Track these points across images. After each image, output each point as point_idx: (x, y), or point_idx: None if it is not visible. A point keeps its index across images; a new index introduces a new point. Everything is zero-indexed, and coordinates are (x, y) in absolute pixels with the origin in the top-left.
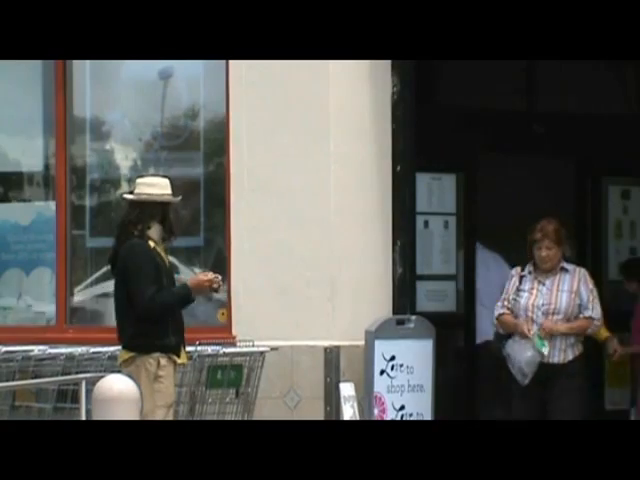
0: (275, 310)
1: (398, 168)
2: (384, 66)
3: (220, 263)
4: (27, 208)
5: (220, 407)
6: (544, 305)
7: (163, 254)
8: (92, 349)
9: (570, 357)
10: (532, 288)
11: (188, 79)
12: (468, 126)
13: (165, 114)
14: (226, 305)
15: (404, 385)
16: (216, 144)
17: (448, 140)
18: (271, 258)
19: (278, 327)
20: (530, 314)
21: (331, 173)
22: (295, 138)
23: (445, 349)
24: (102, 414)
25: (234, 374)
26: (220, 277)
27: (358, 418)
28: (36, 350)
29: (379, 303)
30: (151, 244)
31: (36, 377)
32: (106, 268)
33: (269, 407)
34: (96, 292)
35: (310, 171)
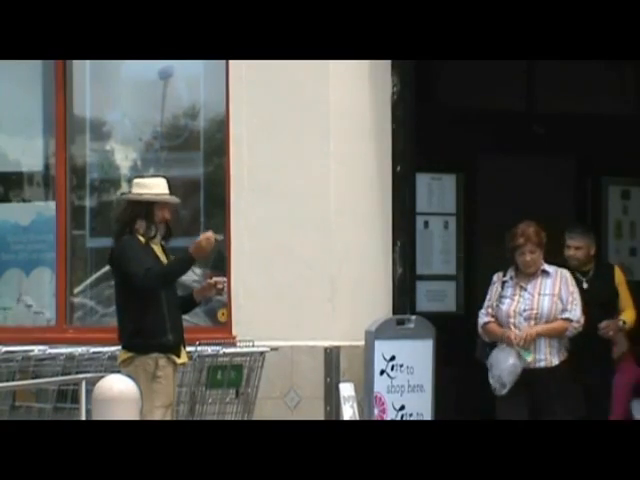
0: (275, 310)
1: (398, 168)
2: (384, 66)
3: (220, 263)
4: (27, 208)
5: (220, 407)
6: (526, 310)
7: (159, 252)
8: (92, 349)
9: (556, 362)
10: (514, 294)
11: (188, 79)
12: (468, 126)
13: (165, 114)
14: (226, 305)
15: (404, 385)
16: (216, 144)
17: (448, 140)
18: (271, 258)
19: (278, 327)
20: (512, 320)
21: (331, 173)
22: (295, 138)
23: (445, 349)
24: (102, 414)
25: (234, 374)
26: (225, 279)
27: (358, 418)
28: (36, 350)
29: (379, 303)
30: (142, 240)
31: (36, 377)
32: (106, 268)
33: (269, 407)
34: (96, 292)
35: (310, 171)
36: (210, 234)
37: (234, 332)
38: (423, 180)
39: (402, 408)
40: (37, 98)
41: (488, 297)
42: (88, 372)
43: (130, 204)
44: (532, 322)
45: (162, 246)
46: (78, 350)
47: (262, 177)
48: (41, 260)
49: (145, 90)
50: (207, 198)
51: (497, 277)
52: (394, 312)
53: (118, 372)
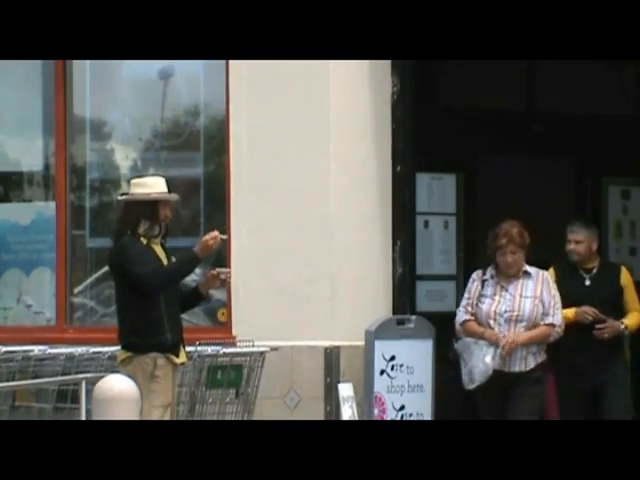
0: (275, 310)
1: (398, 168)
2: (384, 66)
3: (220, 263)
4: (27, 208)
5: (220, 407)
6: (507, 312)
7: (160, 252)
8: (92, 349)
9: (532, 365)
10: (494, 294)
11: (188, 79)
12: (468, 126)
13: (165, 114)
14: (226, 305)
15: (404, 385)
16: (216, 144)
17: (448, 140)
18: (271, 258)
19: (278, 327)
20: (492, 321)
21: (331, 173)
22: (295, 138)
23: (445, 349)
24: (102, 414)
25: (234, 374)
26: (228, 270)
27: (357, 418)
28: (36, 350)
29: (379, 303)
30: (143, 241)
31: (36, 377)
32: (106, 268)
33: (269, 407)
34: (96, 292)
35: (310, 171)
36: (216, 233)
37: (234, 332)
38: (423, 180)
39: (402, 408)
40: (37, 98)
41: (467, 295)
42: (88, 372)
43: (134, 204)
44: (512, 324)
45: (162, 245)
46: (78, 350)
47: (262, 177)
48: (41, 260)
49: (145, 90)
50: (207, 198)
51: (477, 275)
52: (394, 312)
53: (118, 372)
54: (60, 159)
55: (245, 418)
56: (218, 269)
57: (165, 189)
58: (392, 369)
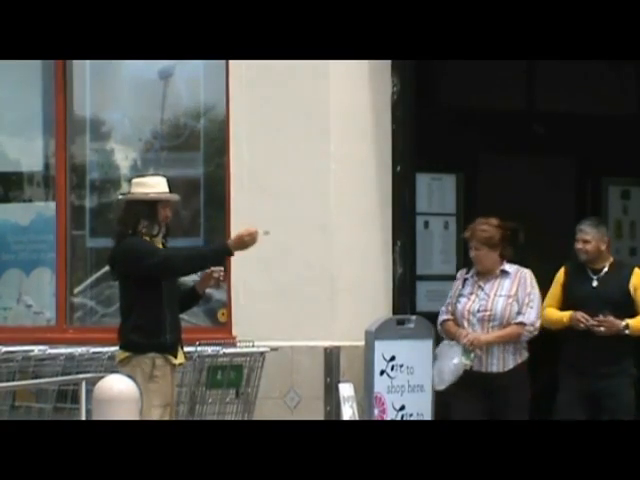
0: (275, 310)
1: (398, 168)
2: (384, 66)
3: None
4: (27, 208)
5: (220, 407)
6: (480, 311)
7: None
8: (92, 349)
9: (510, 365)
10: (471, 293)
11: (188, 79)
12: (468, 126)
13: (165, 114)
14: (226, 305)
15: (404, 385)
16: (216, 144)
17: (448, 140)
18: (271, 258)
19: (278, 327)
20: (466, 320)
21: (331, 173)
22: (295, 138)
23: None
24: (102, 414)
25: (234, 374)
26: (221, 268)
27: (357, 418)
28: (36, 350)
29: (379, 303)
30: (147, 239)
31: (36, 377)
32: (106, 268)
33: (269, 407)
34: (96, 292)
35: (310, 171)
36: (253, 229)
37: (234, 332)
38: (423, 180)
39: (402, 408)
40: (37, 98)
41: (450, 294)
42: (88, 372)
43: (133, 204)
44: (485, 323)
45: (163, 245)
46: (78, 350)
47: (262, 177)
48: (41, 260)
49: (145, 90)
50: (207, 198)
51: (460, 274)
52: (394, 312)
53: (118, 372)
54: (60, 159)
55: (245, 418)
56: (212, 268)
57: (166, 189)
58: (392, 369)
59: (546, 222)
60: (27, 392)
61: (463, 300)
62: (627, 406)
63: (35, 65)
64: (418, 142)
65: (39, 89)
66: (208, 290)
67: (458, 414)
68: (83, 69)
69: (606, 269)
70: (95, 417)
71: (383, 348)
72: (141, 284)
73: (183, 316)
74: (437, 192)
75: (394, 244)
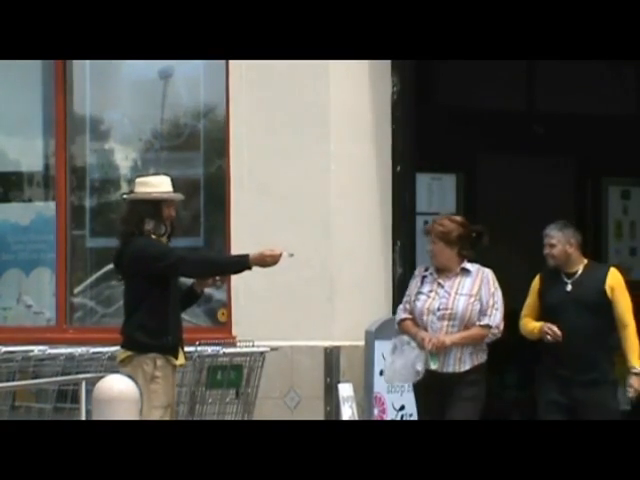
0: (275, 310)
1: (398, 168)
2: (384, 66)
3: None
4: (27, 208)
5: (220, 407)
6: (440, 310)
7: None
8: (92, 349)
9: (467, 366)
10: (431, 291)
11: (188, 79)
12: (468, 126)
13: (165, 114)
14: (226, 305)
15: (404, 385)
16: (216, 144)
17: (448, 140)
18: None
19: (278, 327)
20: (425, 319)
21: (331, 173)
22: (295, 138)
23: None
24: (102, 414)
25: (234, 374)
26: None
27: (357, 418)
28: (36, 350)
29: (379, 303)
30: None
31: (36, 377)
32: (106, 268)
33: (269, 407)
34: (96, 292)
35: (310, 171)
36: (277, 252)
37: (234, 332)
38: (423, 180)
39: (402, 408)
40: (37, 98)
41: (407, 292)
42: (88, 372)
43: (137, 203)
44: (446, 322)
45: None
46: (78, 350)
47: (262, 177)
48: (41, 260)
49: (145, 90)
50: (207, 198)
51: (418, 271)
52: (394, 312)
53: (118, 372)
54: (60, 159)
55: (245, 418)
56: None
57: (170, 188)
58: None
59: (546, 222)
60: (27, 392)
61: (422, 298)
62: (613, 417)
63: (35, 65)
64: (418, 142)
65: (39, 89)
66: (208, 290)
67: (422, 415)
68: (83, 69)
69: (580, 272)
70: (95, 417)
71: (383, 348)
72: (150, 283)
73: (183, 316)
74: (437, 192)
75: (394, 244)
